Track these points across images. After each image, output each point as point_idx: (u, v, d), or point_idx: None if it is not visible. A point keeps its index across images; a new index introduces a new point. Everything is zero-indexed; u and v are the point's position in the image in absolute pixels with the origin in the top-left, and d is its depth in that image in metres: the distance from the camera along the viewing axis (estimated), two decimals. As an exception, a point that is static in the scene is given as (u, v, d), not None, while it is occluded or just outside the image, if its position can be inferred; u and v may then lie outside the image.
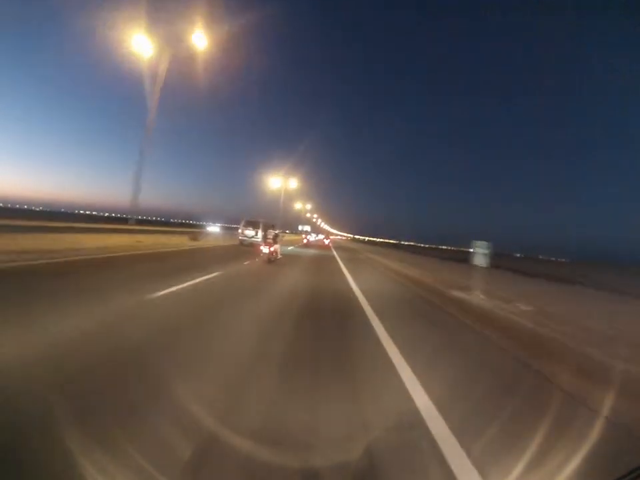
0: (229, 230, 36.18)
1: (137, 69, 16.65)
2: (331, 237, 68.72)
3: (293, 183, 44.97)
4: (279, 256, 13.98)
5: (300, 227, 68.54)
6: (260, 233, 19.56)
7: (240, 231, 20.27)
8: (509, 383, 3.15)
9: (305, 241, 40.68)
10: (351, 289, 8.06)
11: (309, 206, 63.74)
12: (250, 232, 19.90)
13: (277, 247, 13.17)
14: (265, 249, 12.28)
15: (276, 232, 13.81)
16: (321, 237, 61.34)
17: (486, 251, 7.82)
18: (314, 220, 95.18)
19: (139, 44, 15.64)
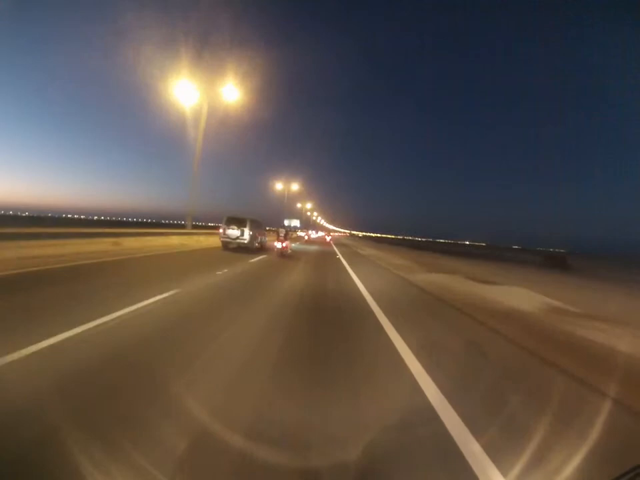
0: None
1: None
2: (331, 234, 67.53)
3: (295, 186, 42.81)
4: (289, 251, 15.34)
5: (286, 222, 49.70)
6: (247, 233, 14.98)
7: (221, 231, 15.36)
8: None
9: (306, 237, 42.15)
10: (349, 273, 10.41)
11: (295, 185, 48.56)
12: (234, 232, 15.12)
13: (288, 243, 14.99)
14: (278, 245, 14.38)
15: (287, 230, 15.47)
16: (321, 234, 62.61)
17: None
18: (314, 217, 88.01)
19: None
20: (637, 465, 0.95)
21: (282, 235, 14.77)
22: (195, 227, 20.27)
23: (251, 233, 15.07)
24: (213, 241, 18.11)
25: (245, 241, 14.97)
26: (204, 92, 18.04)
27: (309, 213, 73.88)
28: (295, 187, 44.76)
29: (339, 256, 17.47)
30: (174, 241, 14.86)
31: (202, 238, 17.85)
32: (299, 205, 61.67)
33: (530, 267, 25.26)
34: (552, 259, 37.05)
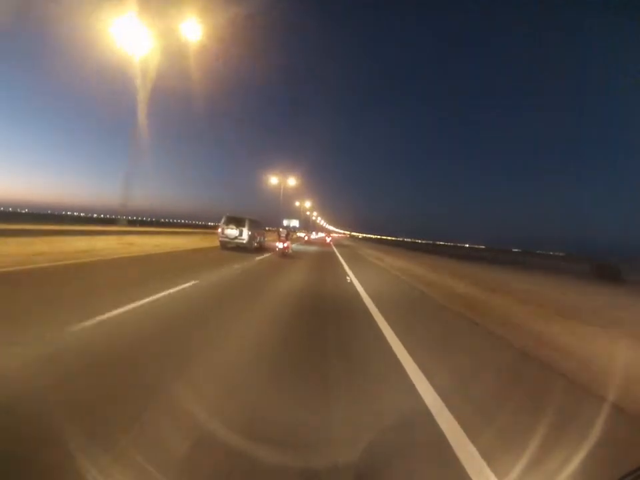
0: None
1: (125, 62, 12.98)
2: (331, 235, 67.08)
3: (292, 181, 40.77)
4: (291, 251, 15.76)
5: (285, 222, 47.21)
6: (246, 233, 15.05)
7: (220, 230, 15.42)
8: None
9: (306, 238, 41.93)
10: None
11: (293, 180, 48.53)
12: (233, 231, 15.19)
13: (289, 243, 15.42)
14: (280, 245, 14.75)
15: (288, 231, 16.09)
16: (321, 235, 62.36)
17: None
18: (313, 217, 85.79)
19: (128, 35, 11.77)
20: (638, 466, 0.92)
21: (283, 235, 15.31)
22: (143, 223, 19.64)
23: (249, 232, 15.12)
24: (159, 244, 13.51)
25: (244, 241, 15.03)
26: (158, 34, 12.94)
27: (308, 213, 71.56)
28: (293, 182, 42.92)
29: (348, 273, 10.70)
30: (79, 245, 9.67)
31: (139, 240, 13.07)
32: (297, 204, 56.51)
33: (588, 282, 17.41)
34: (603, 269, 26.43)
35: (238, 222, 15.17)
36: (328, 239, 47.59)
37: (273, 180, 38.29)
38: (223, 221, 15.41)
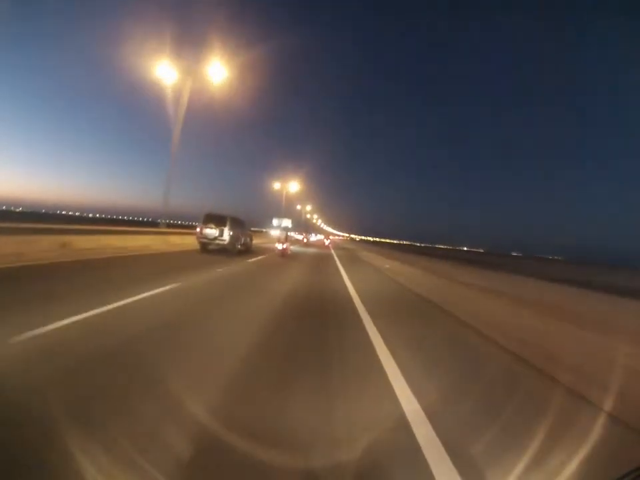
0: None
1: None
2: (331, 238, 64.06)
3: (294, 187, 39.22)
4: (289, 252, 16.40)
5: (275, 222, 42.48)
6: (227, 233, 12.89)
7: (198, 230, 13.19)
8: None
9: (305, 240, 39.43)
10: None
11: (295, 184, 43.00)
12: (212, 231, 13.02)
13: (288, 244, 16.20)
14: (279, 246, 15.80)
15: (287, 233, 18.21)
16: (320, 237, 60.08)
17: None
18: (308, 216, 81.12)
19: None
20: (637, 467, 0.92)
21: (283, 237, 16.75)
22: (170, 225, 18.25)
23: (231, 233, 13.04)
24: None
25: (225, 242, 12.98)
26: (188, 75, 15.52)
27: (298, 207, 63.70)
28: (294, 186, 40.37)
29: (348, 286, 8.13)
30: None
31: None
32: (277, 185, 44.71)
33: None
34: None
35: (218, 221, 12.99)
36: (327, 242, 44.58)
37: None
38: (202, 219, 13.29)
